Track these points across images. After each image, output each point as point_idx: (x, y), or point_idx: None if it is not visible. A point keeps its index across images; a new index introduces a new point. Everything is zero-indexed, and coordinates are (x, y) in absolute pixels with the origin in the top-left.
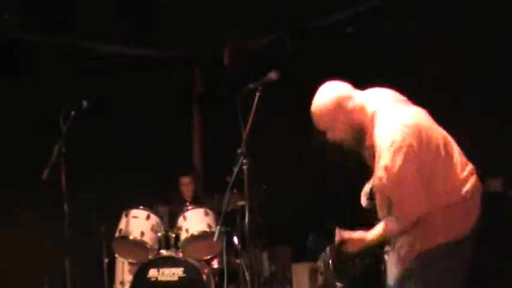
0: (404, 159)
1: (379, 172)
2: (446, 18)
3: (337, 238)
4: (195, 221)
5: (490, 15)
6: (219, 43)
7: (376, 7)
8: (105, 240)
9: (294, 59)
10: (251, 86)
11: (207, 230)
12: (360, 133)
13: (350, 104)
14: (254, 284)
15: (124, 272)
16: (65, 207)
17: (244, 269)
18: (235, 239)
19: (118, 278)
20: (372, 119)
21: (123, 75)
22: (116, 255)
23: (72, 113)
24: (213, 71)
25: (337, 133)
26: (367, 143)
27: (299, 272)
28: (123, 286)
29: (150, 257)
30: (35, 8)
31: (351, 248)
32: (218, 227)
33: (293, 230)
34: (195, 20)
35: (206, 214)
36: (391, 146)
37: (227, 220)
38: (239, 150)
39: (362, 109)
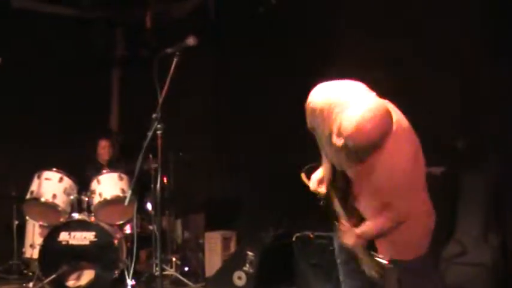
0: None
1: None
2: None
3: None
4: (108, 185)
5: None
6: (142, 5)
7: None
8: (16, 202)
9: (217, 26)
10: (169, 50)
11: (120, 194)
12: None
13: None
14: (167, 250)
15: (34, 234)
16: None
17: (157, 235)
18: (149, 205)
19: (28, 241)
20: None
21: (43, 33)
22: (27, 217)
23: None
24: (136, 34)
25: None
26: None
27: (212, 240)
28: (33, 249)
29: (61, 220)
30: None
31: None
32: (129, 192)
33: (208, 198)
34: None
35: (120, 179)
36: None
37: (141, 186)
38: (154, 115)
39: None
